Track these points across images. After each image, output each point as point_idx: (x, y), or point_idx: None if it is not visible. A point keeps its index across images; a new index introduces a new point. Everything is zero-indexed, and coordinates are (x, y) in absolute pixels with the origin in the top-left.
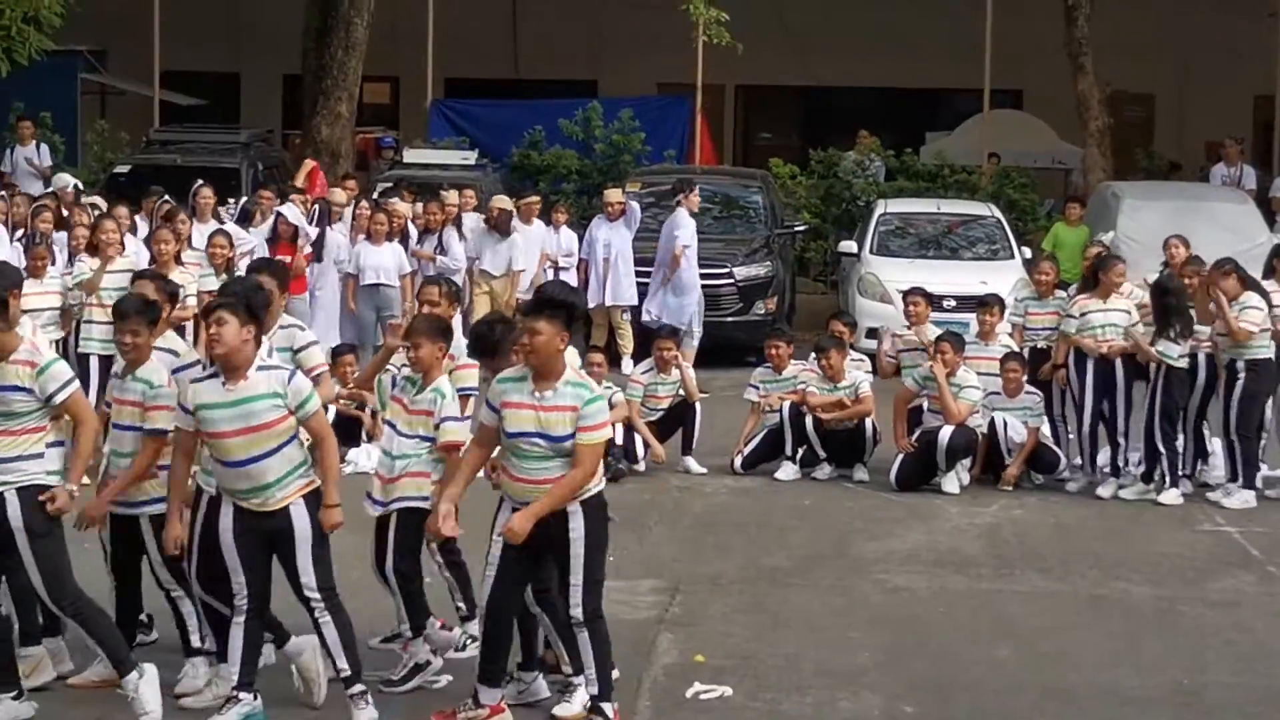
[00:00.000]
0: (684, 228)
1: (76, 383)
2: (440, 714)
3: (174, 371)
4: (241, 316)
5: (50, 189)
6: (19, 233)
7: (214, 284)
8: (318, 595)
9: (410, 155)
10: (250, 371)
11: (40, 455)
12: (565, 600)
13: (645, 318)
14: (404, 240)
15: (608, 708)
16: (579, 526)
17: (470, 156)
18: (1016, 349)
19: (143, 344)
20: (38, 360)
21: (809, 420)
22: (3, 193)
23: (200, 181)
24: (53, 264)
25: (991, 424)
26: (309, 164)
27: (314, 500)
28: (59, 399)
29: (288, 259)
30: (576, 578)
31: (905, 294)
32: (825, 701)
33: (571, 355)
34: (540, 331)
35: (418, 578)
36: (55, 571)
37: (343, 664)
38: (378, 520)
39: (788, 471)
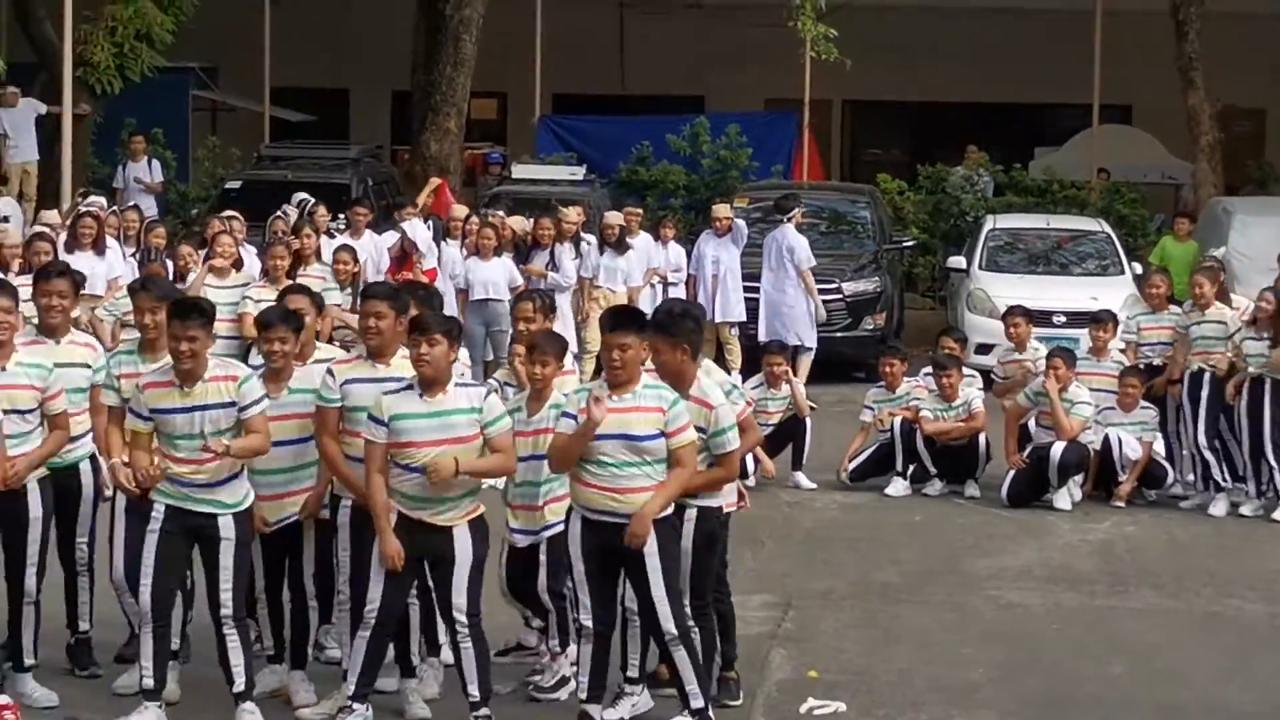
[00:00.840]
0: (800, 246)
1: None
2: None
3: (354, 382)
4: (450, 339)
5: (88, 209)
6: (133, 249)
7: (338, 298)
8: (465, 619)
9: (518, 171)
10: (450, 386)
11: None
12: (653, 618)
13: (763, 335)
14: (516, 255)
15: None
16: (653, 542)
17: (578, 172)
18: (1129, 364)
19: (290, 352)
20: (238, 374)
21: (919, 436)
22: (115, 208)
23: (314, 200)
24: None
25: (1105, 440)
26: (435, 181)
27: (478, 527)
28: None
29: (409, 275)
30: (659, 592)
31: (1005, 315)
32: (939, 717)
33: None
34: (629, 346)
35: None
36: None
37: (474, 690)
38: (514, 548)
39: (898, 487)
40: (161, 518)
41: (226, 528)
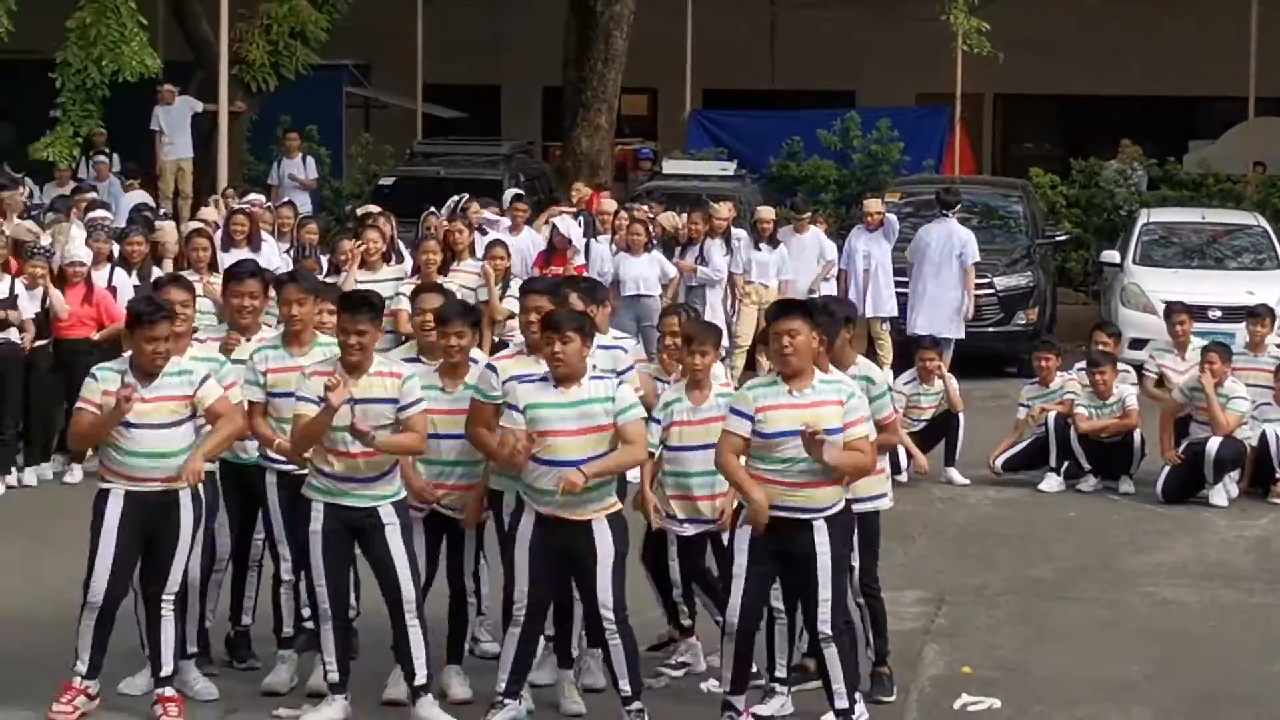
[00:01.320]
0: (971, 241)
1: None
2: None
3: (515, 380)
4: (583, 335)
5: (240, 206)
6: (286, 245)
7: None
8: (612, 616)
9: (669, 166)
10: (584, 380)
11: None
12: (813, 615)
13: (911, 329)
14: (667, 251)
15: None
16: (824, 541)
17: (729, 167)
18: None
19: (467, 347)
20: (401, 371)
21: (1073, 432)
22: (270, 204)
23: (466, 195)
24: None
25: (1262, 435)
26: (586, 190)
27: (617, 523)
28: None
29: (560, 270)
30: (825, 593)
31: (1168, 312)
32: (1095, 715)
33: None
34: (798, 332)
35: None
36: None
37: (625, 685)
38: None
39: (1052, 483)
40: (321, 516)
41: (388, 514)
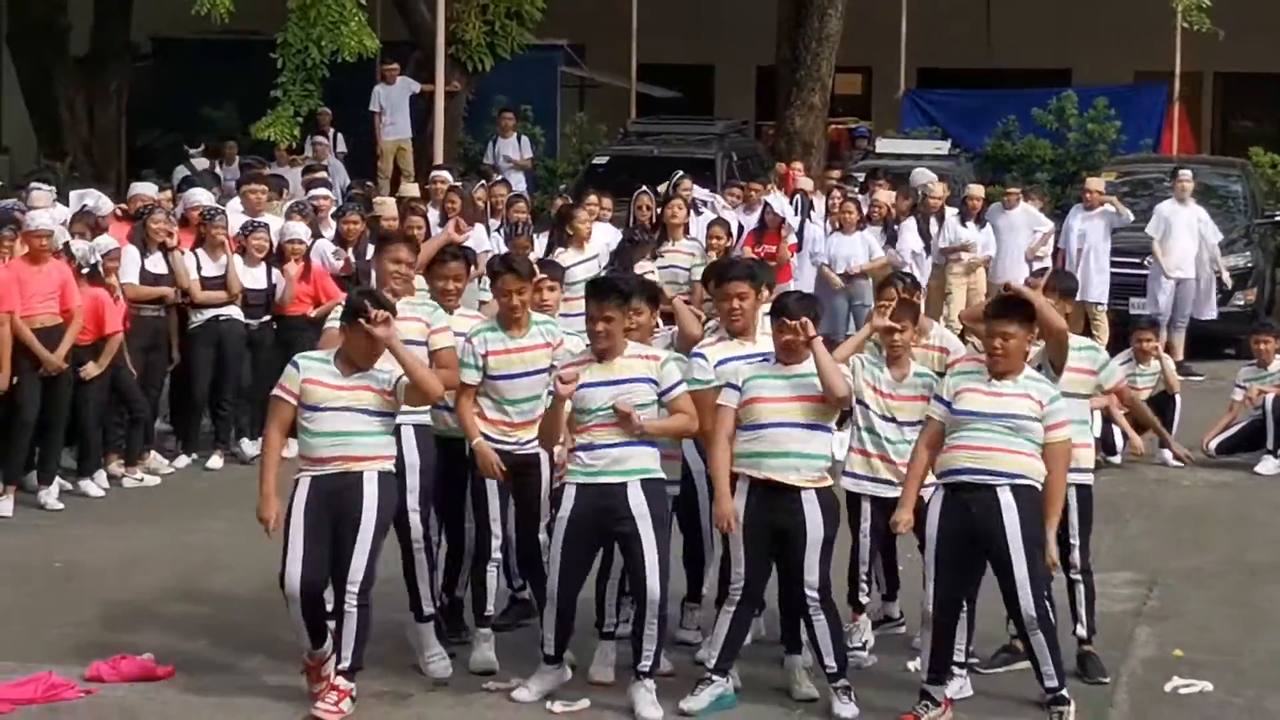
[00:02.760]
0: (1209, 220)
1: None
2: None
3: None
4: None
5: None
6: (497, 224)
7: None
8: (815, 595)
9: (883, 145)
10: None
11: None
12: (1016, 605)
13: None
14: (885, 229)
15: (1069, 706)
16: (1014, 521)
17: (943, 146)
18: None
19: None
20: (659, 354)
21: None
22: (483, 182)
23: (681, 172)
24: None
25: None
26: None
27: (828, 500)
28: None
29: (773, 248)
30: (1021, 573)
31: None
32: None
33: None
34: (1012, 335)
35: None
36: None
37: (830, 661)
38: None
39: (1269, 466)
40: (572, 501)
41: (636, 500)
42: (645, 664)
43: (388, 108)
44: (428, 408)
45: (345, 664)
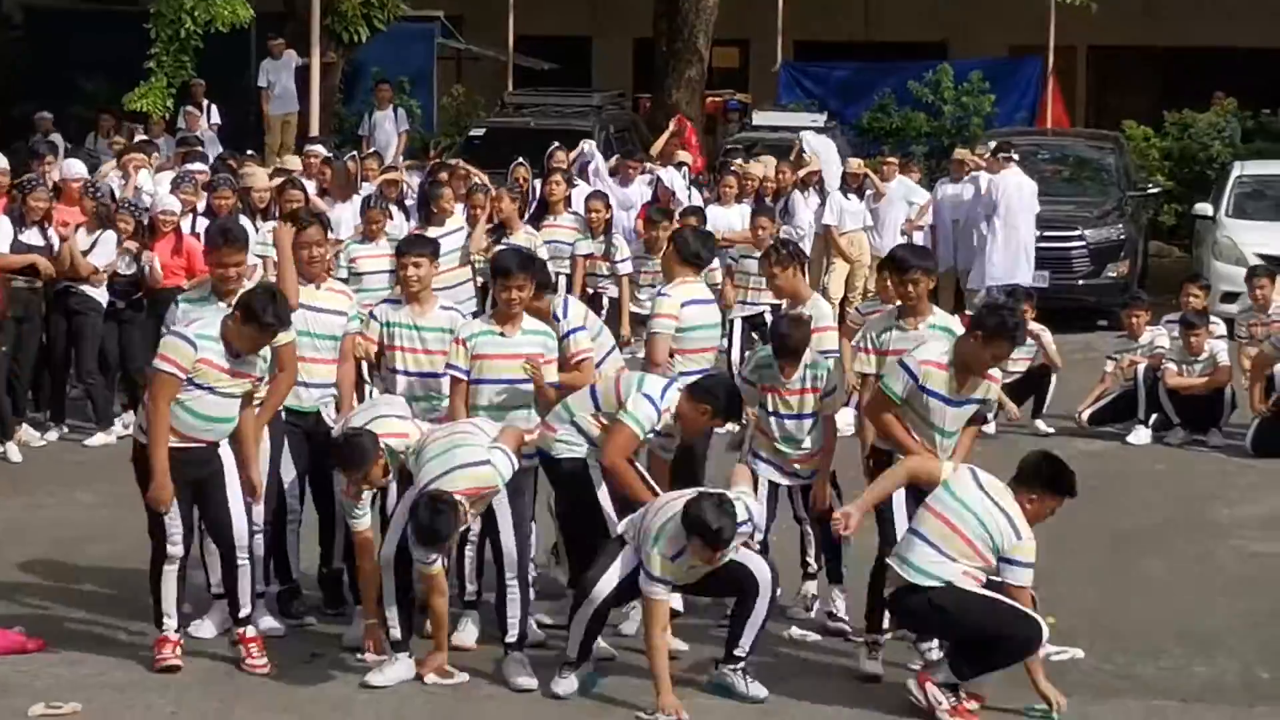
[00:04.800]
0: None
1: None
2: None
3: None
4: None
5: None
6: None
7: (588, 248)
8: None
9: (759, 118)
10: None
11: None
12: None
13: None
14: (757, 202)
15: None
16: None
17: (819, 119)
18: None
19: (527, 299)
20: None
21: (1162, 385)
22: (354, 153)
23: (556, 144)
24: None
25: None
26: (673, 125)
27: None
28: None
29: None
30: None
31: (1249, 276)
32: (1180, 666)
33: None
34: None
35: None
36: None
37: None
38: None
39: (1140, 435)
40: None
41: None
42: (513, 635)
43: (275, 81)
44: None
45: (244, 612)
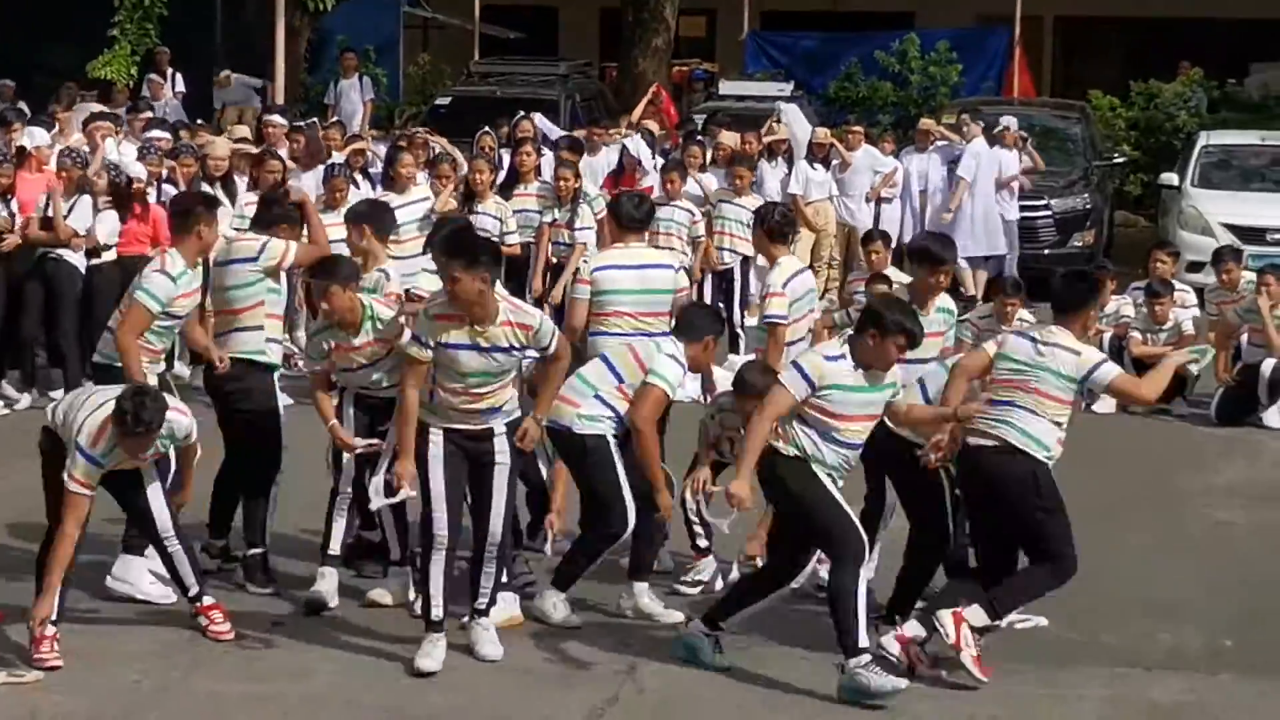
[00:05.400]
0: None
1: None
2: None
3: None
4: None
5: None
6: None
7: (555, 215)
8: None
9: (726, 87)
10: None
11: None
12: None
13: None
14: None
15: None
16: None
17: (785, 88)
18: None
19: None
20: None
21: (1127, 354)
22: (314, 120)
23: (523, 113)
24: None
25: None
26: (653, 89)
27: None
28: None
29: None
30: None
31: (1215, 260)
32: (1145, 633)
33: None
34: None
35: None
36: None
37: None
38: None
39: (1105, 404)
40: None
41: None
42: (483, 602)
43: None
44: None
45: (192, 591)
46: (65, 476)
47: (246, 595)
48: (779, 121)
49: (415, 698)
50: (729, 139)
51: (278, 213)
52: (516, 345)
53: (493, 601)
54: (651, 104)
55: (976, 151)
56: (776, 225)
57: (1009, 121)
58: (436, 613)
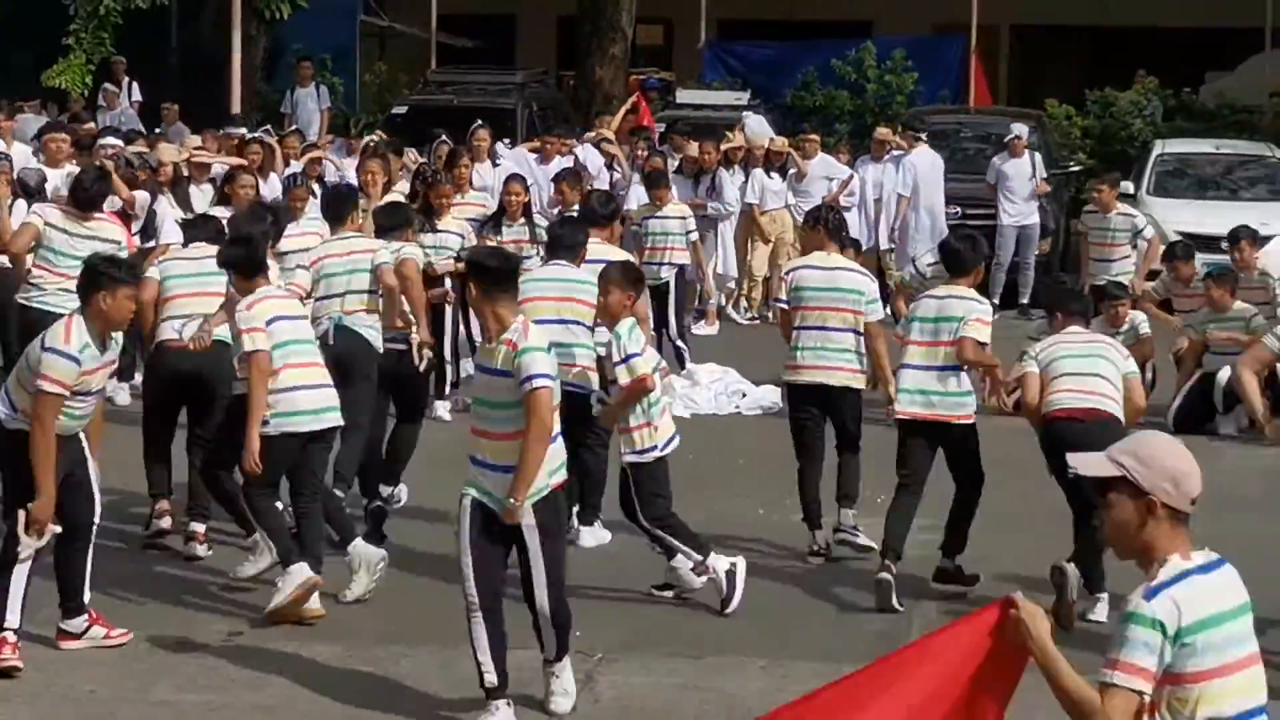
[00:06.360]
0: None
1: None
2: None
3: None
4: None
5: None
6: (286, 173)
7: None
8: None
9: (683, 96)
10: None
11: None
12: None
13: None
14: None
15: None
16: None
17: (743, 97)
18: None
19: None
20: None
21: None
22: (268, 128)
23: (479, 122)
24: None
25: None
26: (633, 99)
27: None
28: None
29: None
30: None
31: (1168, 256)
32: (1108, 637)
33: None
34: None
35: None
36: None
37: None
38: None
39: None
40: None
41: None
42: (550, 652)
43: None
44: None
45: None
46: (37, 382)
47: (204, 605)
48: (743, 130)
49: (368, 708)
50: (694, 149)
51: None
52: (507, 370)
53: (561, 650)
54: (631, 112)
55: (912, 163)
56: (834, 224)
57: (1019, 130)
58: (489, 679)
